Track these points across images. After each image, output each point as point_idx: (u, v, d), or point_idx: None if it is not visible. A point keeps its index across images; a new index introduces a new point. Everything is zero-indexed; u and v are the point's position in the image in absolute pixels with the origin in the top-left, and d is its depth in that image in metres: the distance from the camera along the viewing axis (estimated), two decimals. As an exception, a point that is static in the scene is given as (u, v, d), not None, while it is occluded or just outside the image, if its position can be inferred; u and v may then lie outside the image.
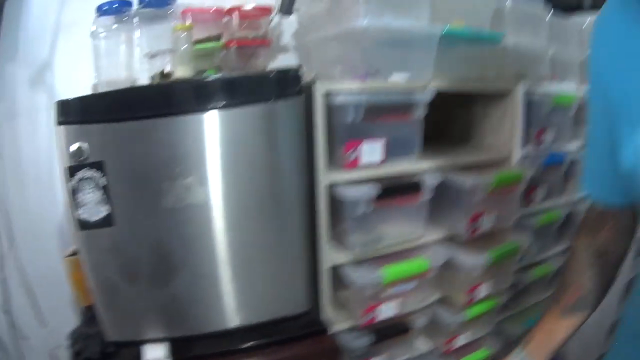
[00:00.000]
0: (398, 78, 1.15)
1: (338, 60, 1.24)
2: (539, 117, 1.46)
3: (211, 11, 1.37)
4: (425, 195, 1.21)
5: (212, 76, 1.05)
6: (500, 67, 1.39)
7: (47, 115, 1.34)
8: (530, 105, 1.44)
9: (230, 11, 1.37)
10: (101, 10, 1.28)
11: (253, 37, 1.37)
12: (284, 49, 1.54)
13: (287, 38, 1.56)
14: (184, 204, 0.94)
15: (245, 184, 0.98)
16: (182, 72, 1.22)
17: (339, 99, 1.07)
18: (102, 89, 1.14)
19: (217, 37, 1.36)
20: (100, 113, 0.91)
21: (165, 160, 0.92)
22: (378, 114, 1.14)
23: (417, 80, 1.18)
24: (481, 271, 1.29)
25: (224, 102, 0.94)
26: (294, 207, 1.05)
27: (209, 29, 1.37)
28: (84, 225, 0.92)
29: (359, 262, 1.19)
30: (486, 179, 1.25)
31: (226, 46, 1.36)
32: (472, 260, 1.28)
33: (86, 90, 1.30)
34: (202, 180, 0.94)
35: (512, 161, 1.42)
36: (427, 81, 1.19)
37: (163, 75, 1.16)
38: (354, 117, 1.09)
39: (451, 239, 1.33)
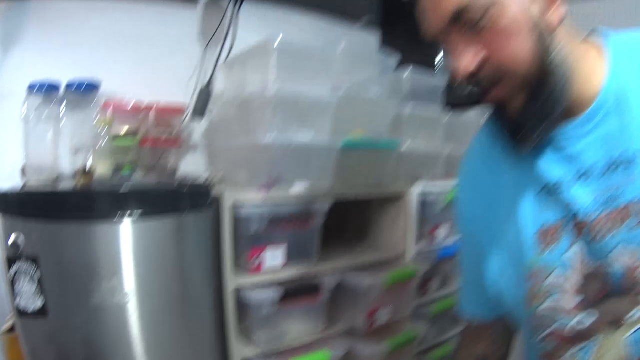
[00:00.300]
0: (299, 187, 1.25)
1: (243, 165, 1.33)
2: (433, 215, 1.61)
3: (129, 106, 1.40)
4: (325, 295, 1.30)
5: (129, 184, 1.13)
6: (396, 170, 1.53)
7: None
8: (424, 205, 1.59)
9: (147, 108, 1.42)
10: (32, 89, 1.28)
11: (166, 137, 1.42)
12: (193, 148, 1.60)
13: (197, 137, 1.62)
14: (108, 303, 0.98)
15: (158, 289, 1.04)
16: (101, 167, 1.26)
17: (244, 212, 1.16)
18: (31, 173, 1.17)
19: (134, 133, 1.40)
20: (34, 210, 0.97)
21: (92, 262, 0.97)
22: (280, 223, 1.23)
23: (317, 188, 1.29)
24: (381, 359, 1.38)
25: (140, 212, 1.00)
26: (204, 308, 1.13)
27: (127, 123, 1.40)
28: (21, 313, 0.97)
29: (267, 356, 1.24)
30: (381, 278, 1.36)
31: (141, 144, 1.40)
32: (371, 350, 1.37)
33: (15, 169, 1.29)
34: (122, 284, 0.99)
35: (406, 258, 1.55)
36: (327, 189, 1.31)
37: (85, 172, 1.19)
38: (258, 227, 1.18)
39: (351, 332, 1.41)
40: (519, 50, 0.58)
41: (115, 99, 1.40)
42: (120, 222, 0.98)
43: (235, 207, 1.16)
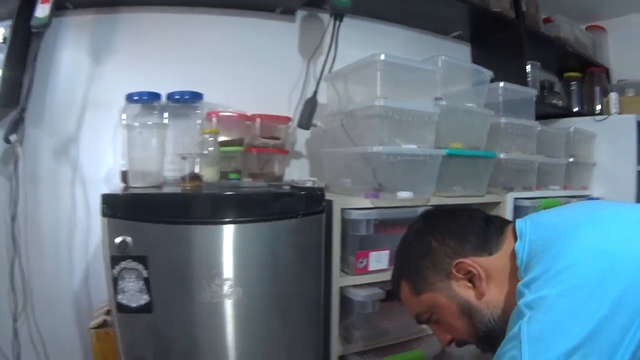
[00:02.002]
0: (405, 195, 1.33)
1: (348, 173, 1.42)
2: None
3: (235, 116, 1.50)
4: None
5: (242, 188, 1.19)
6: (492, 180, 1.58)
7: (70, 186, 1.47)
8: (518, 213, 1.62)
9: (252, 117, 1.52)
10: (131, 99, 1.39)
11: (272, 145, 1.52)
12: (296, 155, 1.70)
13: (299, 146, 1.72)
14: (217, 300, 1.06)
15: (268, 288, 1.12)
16: (208, 173, 1.33)
17: (354, 216, 1.24)
18: (134, 178, 1.23)
19: (240, 142, 1.49)
20: (145, 213, 1.02)
21: (205, 262, 1.05)
22: (385, 228, 1.31)
23: (420, 195, 1.36)
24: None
25: (259, 216, 1.09)
26: (311, 307, 1.20)
27: (231, 133, 1.49)
28: (123, 309, 1.01)
29: (364, 353, 1.33)
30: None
31: (247, 151, 1.50)
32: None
33: (111, 172, 1.47)
34: (237, 282, 1.07)
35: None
36: (429, 197, 1.37)
37: (194, 177, 1.29)
38: (366, 230, 1.26)
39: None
40: (459, 330, 0.82)
41: (217, 109, 1.49)
42: (241, 223, 1.07)
43: (344, 211, 1.24)
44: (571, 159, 2.01)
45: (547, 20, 2.35)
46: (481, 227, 0.84)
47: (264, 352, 1.14)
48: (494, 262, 0.79)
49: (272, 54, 1.71)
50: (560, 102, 2.40)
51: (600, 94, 2.50)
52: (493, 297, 0.78)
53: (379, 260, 1.31)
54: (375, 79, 1.28)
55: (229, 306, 1.07)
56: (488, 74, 1.54)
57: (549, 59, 2.37)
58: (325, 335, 1.26)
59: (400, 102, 1.29)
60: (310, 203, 1.17)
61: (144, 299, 1.01)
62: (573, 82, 2.56)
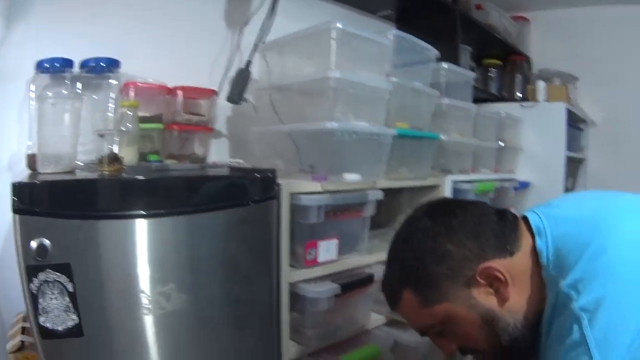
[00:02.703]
0: (354, 177, 1.21)
1: (284, 154, 1.29)
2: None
3: (155, 88, 1.28)
4: (376, 286, 1.27)
5: (175, 172, 1.02)
6: (434, 162, 1.54)
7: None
8: (456, 195, 1.60)
9: (173, 90, 1.31)
10: (41, 67, 1.14)
11: (196, 122, 1.33)
12: (216, 135, 1.50)
13: (219, 124, 1.52)
14: (161, 311, 0.86)
15: (217, 291, 0.95)
16: (128, 155, 1.12)
17: (304, 201, 1.11)
18: (43, 162, 0.99)
19: (159, 118, 1.29)
20: (67, 207, 0.79)
21: (144, 266, 0.85)
22: (335, 214, 1.20)
23: (370, 178, 1.26)
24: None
25: (201, 204, 0.91)
26: (267, 307, 1.06)
27: (149, 107, 1.27)
28: (48, 334, 0.79)
29: (317, 352, 1.21)
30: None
31: (167, 128, 1.29)
32: (416, 339, 1.35)
33: (15, 157, 1.17)
34: (183, 288, 0.88)
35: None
36: (376, 181, 1.28)
37: (114, 158, 1.09)
38: (316, 218, 1.13)
39: (391, 323, 1.40)
40: (477, 341, 0.74)
41: (135, 80, 1.27)
42: (181, 215, 0.88)
43: (294, 198, 1.11)
44: (502, 143, 2.04)
45: (477, 7, 2.37)
46: (497, 223, 0.75)
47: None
48: (516, 264, 0.72)
49: (198, 19, 1.51)
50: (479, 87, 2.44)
51: (522, 82, 2.59)
52: (516, 302, 0.71)
53: (328, 251, 1.19)
54: (329, 49, 1.15)
55: (176, 317, 0.89)
56: (434, 53, 1.48)
57: (471, 44, 2.36)
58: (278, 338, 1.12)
59: (356, 75, 1.17)
60: (262, 188, 1.02)
61: (71, 319, 0.80)
62: (492, 69, 2.62)
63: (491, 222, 0.75)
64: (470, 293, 0.72)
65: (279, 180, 1.08)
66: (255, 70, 1.42)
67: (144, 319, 0.85)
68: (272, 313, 1.07)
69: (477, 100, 2.21)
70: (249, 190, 1.00)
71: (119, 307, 0.84)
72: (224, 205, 0.94)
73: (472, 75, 1.78)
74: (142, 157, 1.22)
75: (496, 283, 0.71)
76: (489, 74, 2.62)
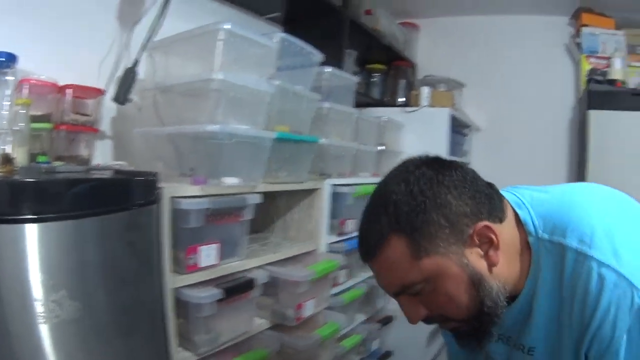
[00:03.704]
0: (233, 180, 1.21)
1: (165, 157, 1.25)
2: (342, 208, 1.69)
3: (47, 86, 1.21)
4: (258, 291, 1.28)
5: (65, 175, 0.97)
6: (312, 165, 1.57)
7: None
8: (335, 198, 1.66)
9: (63, 88, 1.24)
10: None
11: (82, 122, 1.26)
12: (100, 136, 1.43)
13: (103, 125, 1.45)
14: (58, 319, 0.81)
15: (112, 296, 0.91)
16: (19, 155, 1.06)
17: (184, 205, 1.08)
18: None
19: (48, 117, 1.21)
20: None
21: (36, 272, 0.80)
22: (215, 218, 1.18)
23: (250, 181, 1.26)
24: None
25: (96, 209, 0.87)
26: (155, 314, 1.03)
27: (38, 106, 1.19)
28: None
29: (206, 358, 1.19)
30: (311, 271, 1.38)
31: (56, 128, 1.22)
32: (304, 342, 1.42)
33: None
34: (74, 295, 0.83)
35: (319, 250, 1.60)
36: (259, 182, 1.29)
37: (6, 159, 0.98)
38: (197, 222, 1.11)
39: (280, 327, 1.41)
40: (457, 307, 0.70)
41: (30, 77, 1.19)
42: (64, 220, 0.83)
43: (174, 202, 1.07)
44: (382, 147, 2.13)
45: (367, 12, 2.43)
46: (487, 189, 0.74)
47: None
48: (504, 232, 0.71)
49: (91, 16, 1.41)
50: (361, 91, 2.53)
51: (406, 87, 2.73)
52: (502, 269, 0.70)
53: (209, 255, 1.17)
54: (214, 50, 1.13)
55: (72, 325, 0.83)
56: (318, 56, 1.51)
57: (358, 48, 2.43)
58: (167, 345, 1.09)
59: (240, 77, 1.16)
60: (144, 192, 0.99)
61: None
62: (375, 74, 2.72)
63: (483, 186, 0.74)
64: (463, 251, 0.68)
65: (160, 184, 1.05)
66: (142, 70, 1.36)
67: (40, 328, 0.79)
68: (160, 320, 1.04)
69: (360, 104, 2.30)
70: (131, 194, 0.96)
71: (15, 316, 0.78)
72: (109, 209, 0.90)
73: (354, 79, 1.84)
74: (32, 158, 1.14)
75: (487, 246, 0.69)
76: (372, 78, 2.71)
